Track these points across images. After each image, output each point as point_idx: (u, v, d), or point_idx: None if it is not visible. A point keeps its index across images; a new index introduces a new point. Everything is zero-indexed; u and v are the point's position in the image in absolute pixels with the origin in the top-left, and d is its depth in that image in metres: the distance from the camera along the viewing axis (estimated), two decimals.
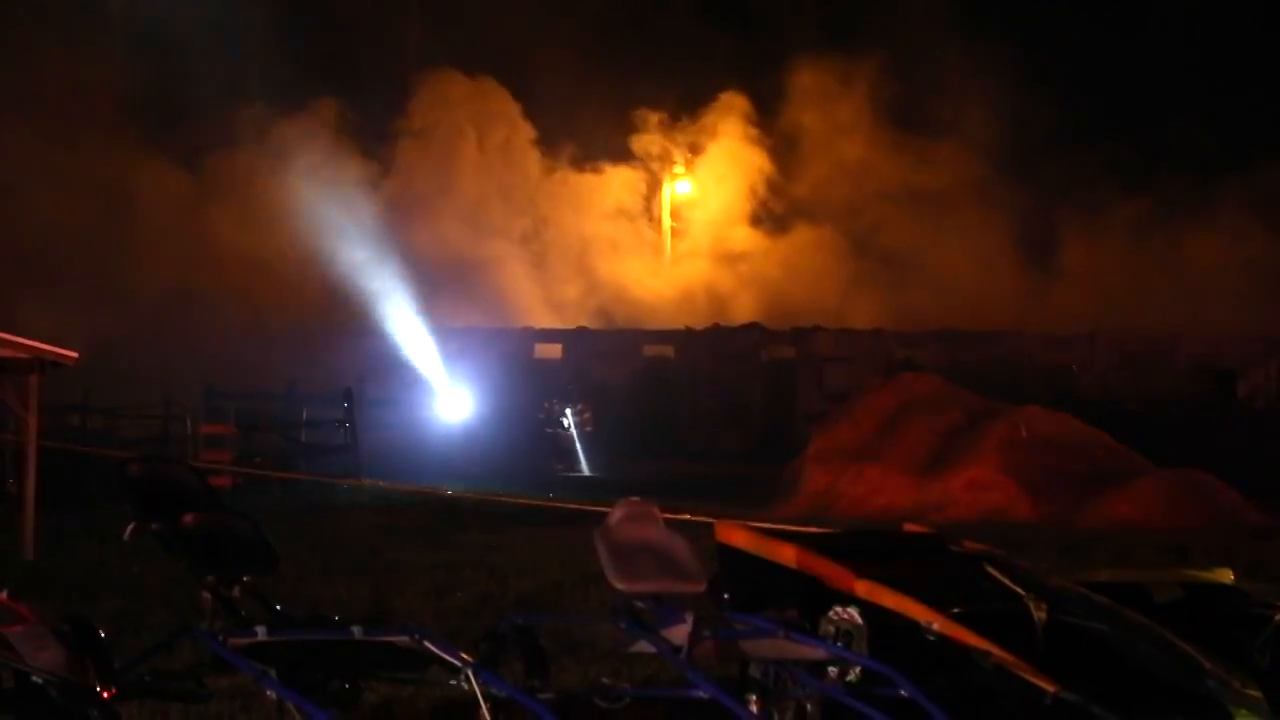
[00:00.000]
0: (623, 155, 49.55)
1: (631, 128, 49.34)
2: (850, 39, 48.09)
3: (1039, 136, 46.71)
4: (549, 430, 35.15)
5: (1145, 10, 49.02)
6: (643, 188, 50.00)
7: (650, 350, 44.55)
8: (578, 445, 34.87)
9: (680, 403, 42.22)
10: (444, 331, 42.44)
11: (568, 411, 35.23)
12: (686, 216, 51.00)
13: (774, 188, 49.90)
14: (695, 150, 50.06)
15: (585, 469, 34.40)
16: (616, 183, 49.19)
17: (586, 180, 49.02)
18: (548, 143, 48.92)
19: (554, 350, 44.05)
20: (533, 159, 48.94)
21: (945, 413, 28.13)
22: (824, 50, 48.32)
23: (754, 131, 49.41)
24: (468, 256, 45.87)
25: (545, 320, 46.08)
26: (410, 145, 47.71)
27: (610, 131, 49.00)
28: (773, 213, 50.00)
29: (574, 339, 44.59)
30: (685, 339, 44.64)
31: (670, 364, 43.94)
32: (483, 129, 48.17)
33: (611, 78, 46.36)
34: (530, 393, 38.26)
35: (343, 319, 40.25)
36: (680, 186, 51.09)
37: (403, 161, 47.61)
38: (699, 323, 45.68)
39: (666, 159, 50.13)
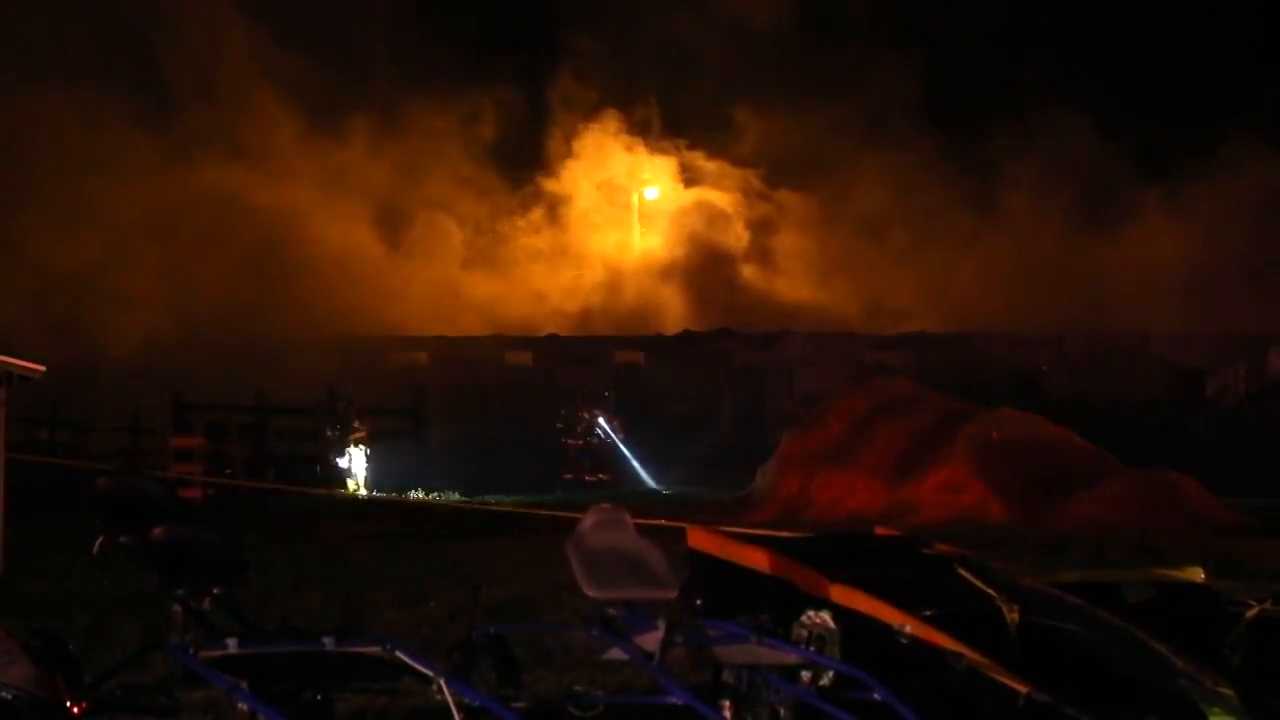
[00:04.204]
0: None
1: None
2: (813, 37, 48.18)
3: (1003, 136, 46.89)
4: (589, 440, 34.60)
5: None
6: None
7: (621, 357, 44.53)
8: (626, 453, 34.56)
9: (651, 409, 42.17)
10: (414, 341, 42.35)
11: (600, 420, 34.81)
12: (658, 216, 50.80)
13: (742, 192, 49.95)
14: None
15: (650, 482, 33.96)
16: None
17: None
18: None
19: (524, 358, 43.99)
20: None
21: (916, 415, 28.20)
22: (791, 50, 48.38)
23: (718, 136, 49.49)
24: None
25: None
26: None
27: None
28: (741, 216, 50.02)
29: (544, 346, 44.54)
30: (656, 345, 44.65)
31: (640, 370, 43.94)
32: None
33: None
34: (510, 403, 38.16)
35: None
36: (649, 193, 51.09)
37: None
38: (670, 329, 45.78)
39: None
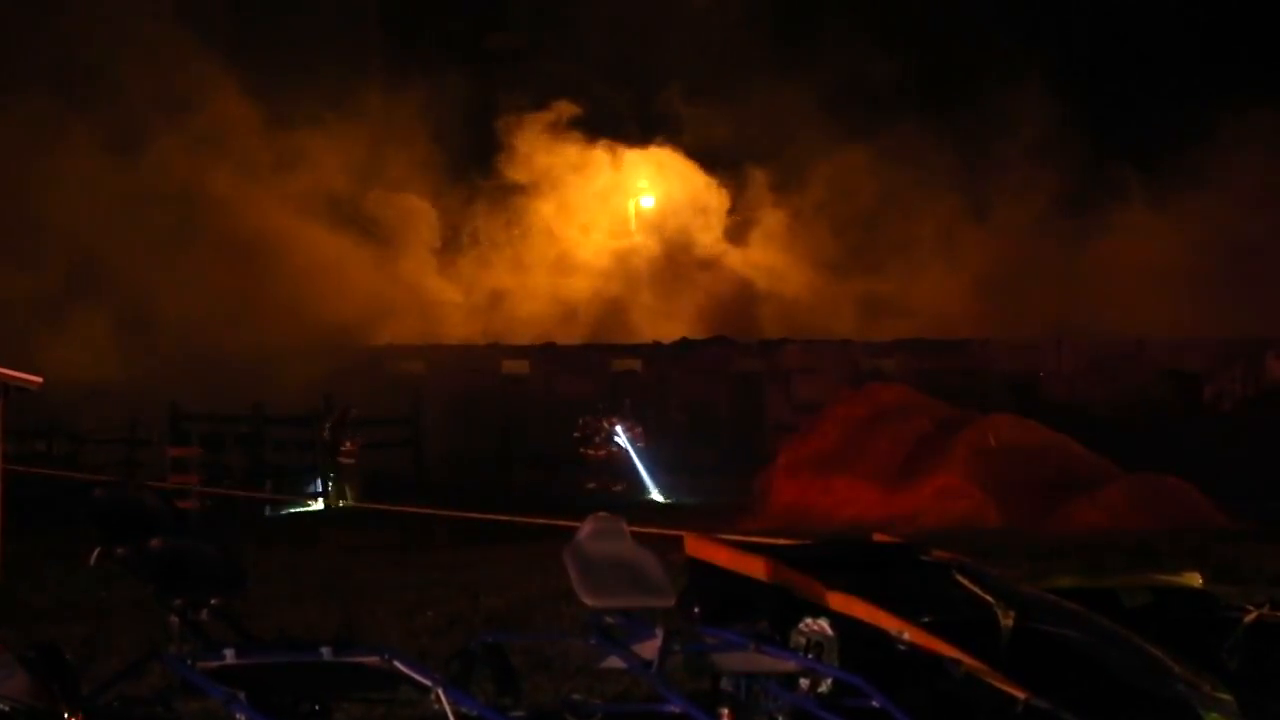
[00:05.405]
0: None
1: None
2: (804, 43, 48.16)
3: (999, 141, 46.90)
4: (610, 450, 34.18)
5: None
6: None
7: (619, 365, 44.48)
8: (637, 463, 34.21)
9: (649, 416, 42.21)
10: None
11: (618, 429, 34.47)
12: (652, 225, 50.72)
13: (733, 199, 49.93)
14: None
15: (654, 492, 33.67)
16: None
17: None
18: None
19: (521, 366, 43.96)
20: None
21: (913, 422, 28.17)
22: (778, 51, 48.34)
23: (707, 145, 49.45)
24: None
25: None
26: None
27: None
28: (733, 223, 49.99)
29: (541, 354, 44.51)
30: (653, 353, 44.63)
31: (638, 378, 43.90)
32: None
33: None
34: (502, 413, 37.97)
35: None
36: (645, 201, 51.05)
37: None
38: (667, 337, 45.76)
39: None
